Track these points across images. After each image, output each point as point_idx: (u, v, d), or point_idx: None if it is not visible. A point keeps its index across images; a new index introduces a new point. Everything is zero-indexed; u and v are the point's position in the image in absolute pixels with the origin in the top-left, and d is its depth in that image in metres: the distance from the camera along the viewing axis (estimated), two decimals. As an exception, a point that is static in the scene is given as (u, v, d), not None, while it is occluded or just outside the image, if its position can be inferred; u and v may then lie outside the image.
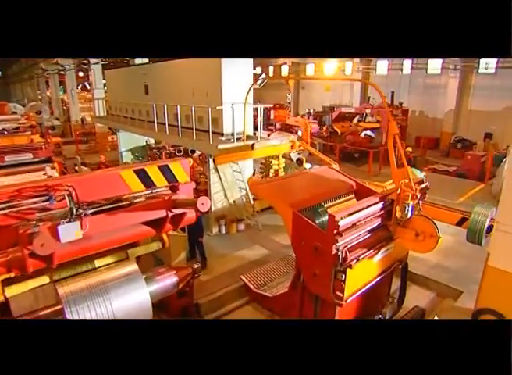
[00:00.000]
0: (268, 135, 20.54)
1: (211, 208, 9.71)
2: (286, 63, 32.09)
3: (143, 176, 3.75)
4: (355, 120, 21.43)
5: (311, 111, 21.37)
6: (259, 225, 10.15)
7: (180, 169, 4.02)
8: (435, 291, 7.73)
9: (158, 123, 10.90)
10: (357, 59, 25.69)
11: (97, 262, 4.37)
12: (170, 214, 3.82)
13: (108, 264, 4.45)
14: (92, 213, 3.32)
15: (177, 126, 9.86)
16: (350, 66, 27.29)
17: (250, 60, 9.71)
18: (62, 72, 25.96)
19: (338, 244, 4.55)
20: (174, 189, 4.09)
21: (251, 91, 9.39)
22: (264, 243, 9.36)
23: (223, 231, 9.93)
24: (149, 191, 3.90)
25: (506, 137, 20.67)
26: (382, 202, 5.20)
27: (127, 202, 3.62)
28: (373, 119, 20.51)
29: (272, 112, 20.59)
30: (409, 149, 14.03)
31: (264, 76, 10.64)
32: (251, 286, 6.96)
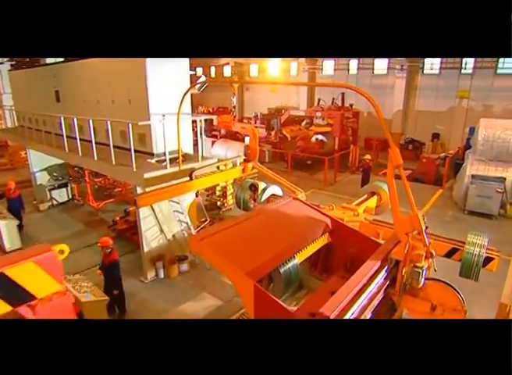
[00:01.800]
0: (213, 143, 18.70)
1: (143, 249, 7.62)
2: (228, 63, 30.29)
3: None
4: (303, 123, 20.17)
5: (258, 114, 19.67)
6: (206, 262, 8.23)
7: (40, 273, 2.02)
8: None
9: (71, 139, 8.49)
10: (302, 59, 24.56)
11: None
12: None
13: None
14: None
15: (100, 144, 7.62)
16: (295, 65, 26.12)
17: (185, 60, 7.75)
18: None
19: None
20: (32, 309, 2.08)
21: (188, 98, 7.46)
22: (214, 289, 7.44)
23: (161, 275, 7.88)
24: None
25: (452, 137, 20.69)
26: (386, 268, 3.57)
27: None
28: (323, 122, 19.35)
29: (215, 117, 18.59)
30: (368, 156, 12.88)
31: (203, 78, 8.85)
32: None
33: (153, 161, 6.96)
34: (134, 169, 6.35)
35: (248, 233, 4.47)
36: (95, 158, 7.31)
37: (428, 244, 3.58)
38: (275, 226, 4.78)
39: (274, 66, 27.29)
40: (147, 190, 5.77)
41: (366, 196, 8.52)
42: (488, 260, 5.24)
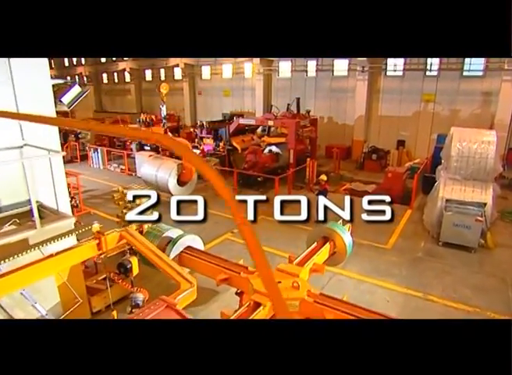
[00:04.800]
0: (150, 156, 16.10)
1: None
2: (178, 65, 27.63)
3: None
4: (258, 131, 17.87)
5: (204, 123, 17.16)
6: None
7: None
8: None
9: None
10: (256, 60, 22.33)
11: None
12: None
13: None
14: None
15: None
16: (249, 67, 23.85)
17: (41, 62, 5.17)
18: None
19: None
20: None
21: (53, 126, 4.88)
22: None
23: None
24: None
25: (418, 144, 19.09)
26: None
27: None
28: (280, 131, 17.11)
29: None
30: (323, 178, 10.70)
31: (78, 89, 6.42)
32: None
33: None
34: None
35: None
36: None
37: None
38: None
39: (227, 68, 25.03)
40: None
41: (315, 244, 6.39)
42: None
